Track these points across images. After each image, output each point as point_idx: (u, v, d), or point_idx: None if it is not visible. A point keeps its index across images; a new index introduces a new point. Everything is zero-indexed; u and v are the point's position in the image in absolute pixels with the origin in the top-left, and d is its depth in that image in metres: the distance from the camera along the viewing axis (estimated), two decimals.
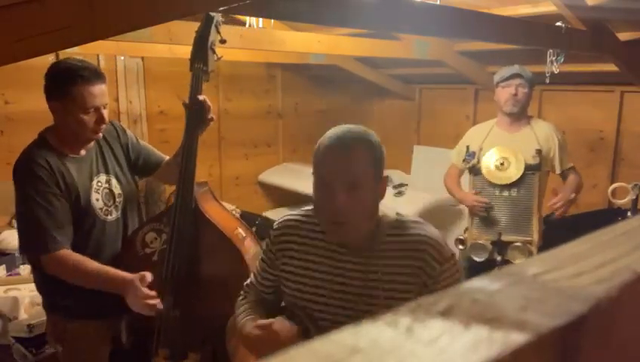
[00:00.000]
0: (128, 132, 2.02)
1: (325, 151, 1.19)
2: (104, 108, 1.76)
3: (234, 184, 4.91)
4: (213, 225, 1.82)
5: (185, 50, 3.71)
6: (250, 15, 2.78)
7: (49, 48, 1.45)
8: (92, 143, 1.86)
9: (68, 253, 1.72)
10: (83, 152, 1.84)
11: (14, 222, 3.66)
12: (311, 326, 1.26)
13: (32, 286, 2.92)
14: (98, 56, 3.94)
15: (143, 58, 4.28)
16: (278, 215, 2.44)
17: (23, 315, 2.79)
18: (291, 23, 3.71)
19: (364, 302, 1.23)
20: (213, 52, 1.85)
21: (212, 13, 1.82)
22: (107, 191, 1.87)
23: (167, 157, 2.04)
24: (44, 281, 1.86)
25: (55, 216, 1.71)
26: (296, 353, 0.22)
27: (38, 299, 2.85)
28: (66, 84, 1.69)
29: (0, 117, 3.76)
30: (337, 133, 1.20)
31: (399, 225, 1.26)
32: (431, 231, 1.26)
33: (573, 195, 2.72)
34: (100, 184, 1.85)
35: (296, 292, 1.32)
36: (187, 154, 1.81)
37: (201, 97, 1.81)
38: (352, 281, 1.25)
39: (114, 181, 1.90)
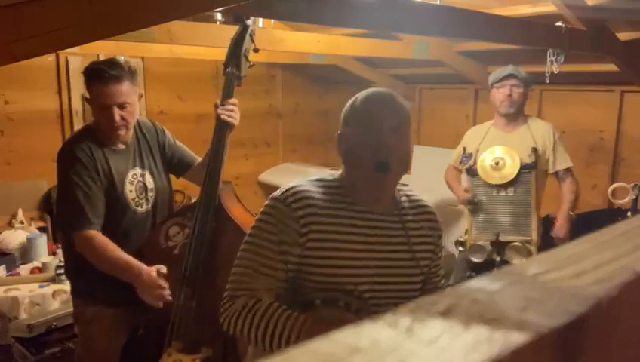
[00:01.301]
0: (167, 132, 2.14)
1: (367, 100, 1.23)
2: (120, 107, 1.86)
3: (234, 184, 4.91)
4: (235, 222, 1.88)
5: (185, 50, 3.73)
6: (251, 15, 2.78)
7: (49, 48, 1.45)
8: (131, 139, 1.99)
9: (96, 233, 1.84)
10: (122, 146, 1.96)
11: (14, 222, 3.67)
12: (359, 304, 1.17)
13: (32, 286, 2.94)
14: (98, 56, 3.94)
15: (143, 58, 4.29)
16: None
17: (23, 315, 2.79)
18: (291, 23, 3.71)
19: (411, 262, 1.26)
20: (246, 59, 1.95)
21: (248, 22, 1.93)
22: (141, 184, 1.99)
23: (199, 159, 2.15)
24: (73, 265, 2.00)
25: (90, 197, 1.84)
26: (296, 353, 0.22)
27: (38, 298, 2.86)
28: (88, 83, 1.88)
29: (0, 117, 3.76)
30: (375, 89, 1.28)
31: (404, 189, 1.35)
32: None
33: (570, 213, 2.77)
34: (134, 176, 1.97)
35: (332, 269, 1.17)
36: (215, 153, 1.92)
37: (231, 100, 1.92)
38: (396, 246, 1.26)
39: (148, 176, 2.01)
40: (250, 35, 1.95)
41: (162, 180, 2.07)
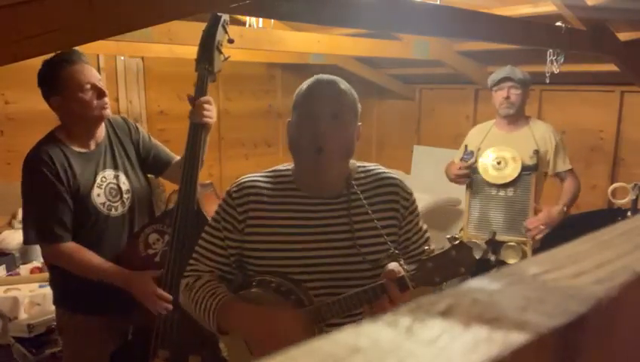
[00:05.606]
0: (140, 129, 2.02)
1: (311, 87, 1.28)
2: (99, 83, 1.79)
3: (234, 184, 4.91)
4: None
5: (185, 50, 3.73)
6: (250, 15, 2.78)
7: (49, 48, 1.45)
8: (103, 138, 1.88)
9: (65, 246, 1.76)
10: (92, 146, 1.85)
11: (14, 222, 3.67)
12: (299, 292, 1.22)
13: (32, 286, 2.94)
14: (98, 56, 3.94)
15: (143, 58, 4.28)
16: None
17: (23, 315, 2.79)
18: (291, 23, 3.71)
19: (351, 244, 1.26)
20: (220, 52, 1.81)
21: (219, 13, 1.79)
22: (113, 186, 1.87)
23: (177, 157, 2.04)
24: (55, 275, 1.93)
25: (53, 209, 1.75)
26: (296, 353, 0.22)
27: (38, 298, 2.86)
28: (55, 74, 1.76)
29: (0, 117, 3.76)
30: (320, 76, 1.31)
31: (361, 169, 1.35)
32: (390, 170, 1.39)
33: (564, 208, 2.71)
34: (104, 179, 1.85)
35: (270, 253, 1.26)
36: (190, 156, 1.79)
37: (204, 98, 1.79)
38: (337, 227, 1.26)
39: (123, 177, 1.90)
40: (223, 26, 1.81)
41: (139, 180, 1.95)
